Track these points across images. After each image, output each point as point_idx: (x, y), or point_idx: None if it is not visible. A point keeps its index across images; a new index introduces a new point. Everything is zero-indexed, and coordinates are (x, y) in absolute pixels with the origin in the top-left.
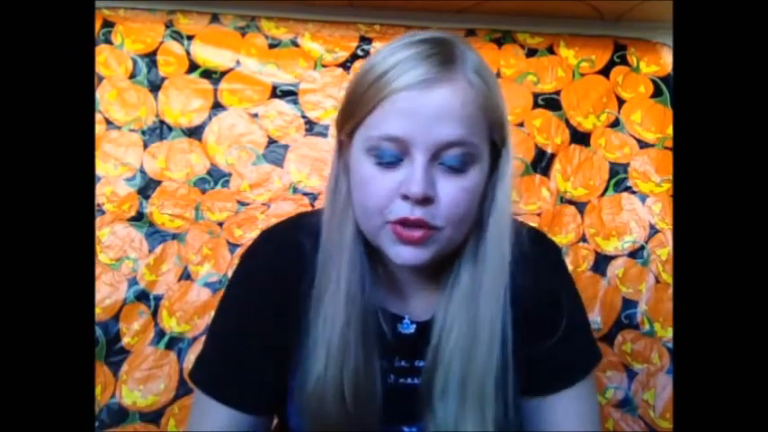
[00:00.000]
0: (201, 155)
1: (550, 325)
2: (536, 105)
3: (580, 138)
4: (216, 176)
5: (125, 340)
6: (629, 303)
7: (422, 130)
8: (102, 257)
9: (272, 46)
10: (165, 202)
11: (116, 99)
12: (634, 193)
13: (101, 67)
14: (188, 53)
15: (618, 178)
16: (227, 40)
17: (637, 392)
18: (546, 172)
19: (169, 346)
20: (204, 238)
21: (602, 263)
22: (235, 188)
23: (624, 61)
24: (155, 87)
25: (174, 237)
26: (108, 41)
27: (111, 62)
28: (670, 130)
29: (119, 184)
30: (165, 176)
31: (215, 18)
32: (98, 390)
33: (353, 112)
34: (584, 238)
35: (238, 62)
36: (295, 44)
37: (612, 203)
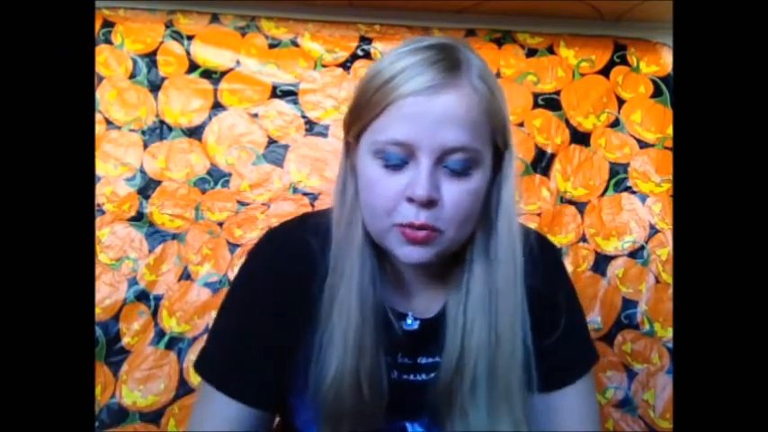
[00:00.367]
0: (201, 155)
1: (552, 323)
2: (536, 105)
3: (580, 138)
4: (216, 176)
5: (125, 340)
6: (629, 303)
7: (427, 135)
8: (102, 257)
9: (272, 46)
10: (165, 202)
11: (116, 99)
12: (634, 193)
13: (101, 67)
14: (188, 53)
15: (618, 178)
16: (227, 40)
17: (637, 392)
18: (546, 172)
19: (169, 346)
20: (204, 238)
21: (602, 263)
22: (235, 188)
23: (624, 61)
24: (155, 87)
25: (174, 237)
26: (108, 41)
27: (111, 62)
28: (670, 130)
29: (119, 184)
30: (165, 176)
31: (215, 18)
32: (98, 390)
33: (360, 116)
34: (584, 238)
35: (238, 62)
36: (295, 44)
37: (612, 203)
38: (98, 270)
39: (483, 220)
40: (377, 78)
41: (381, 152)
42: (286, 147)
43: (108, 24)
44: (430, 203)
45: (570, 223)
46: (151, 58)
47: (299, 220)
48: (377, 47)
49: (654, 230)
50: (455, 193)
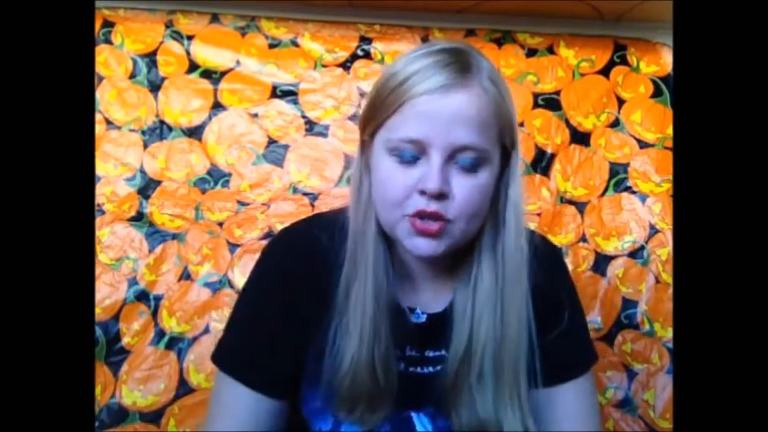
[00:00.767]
0: (201, 155)
1: (553, 321)
2: (536, 105)
3: (580, 138)
4: (216, 176)
5: (125, 340)
6: (629, 303)
7: (439, 133)
8: (102, 257)
9: (272, 46)
10: (165, 202)
11: (116, 99)
12: (634, 193)
13: (101, 67)
14: (188, 53)
15: (618, 178)
16: (227, 40)
17: (637, 392)
18: (546, 172)
19: (169, 346)
20: (204, 238)
21: (602, 263)
22: (235, 188)
23: (624, 61)
24: (155, 87)
25: (174, 237)
26: (108, 41)
27: (111, 62)
28: (670, 130)
29: (119, 184)
30: (165, 176)
31: (215, 18)
32: (98, 390)
33: (375, 115)
34: (584, 238)
35: (238, 62)
36: (295, 44)
37: (612, 203)
38: (98, 270)
39: (491, 216)
40: (392, 80)
41: (396, 149)
42: (286, 147)
43: (108, 24)
44: (440, 196)
45: (570, 223)
46: (151, 58)
47: (312, 217)
48: (377, 47)
49: (654, 230)
50: (465, 187)
